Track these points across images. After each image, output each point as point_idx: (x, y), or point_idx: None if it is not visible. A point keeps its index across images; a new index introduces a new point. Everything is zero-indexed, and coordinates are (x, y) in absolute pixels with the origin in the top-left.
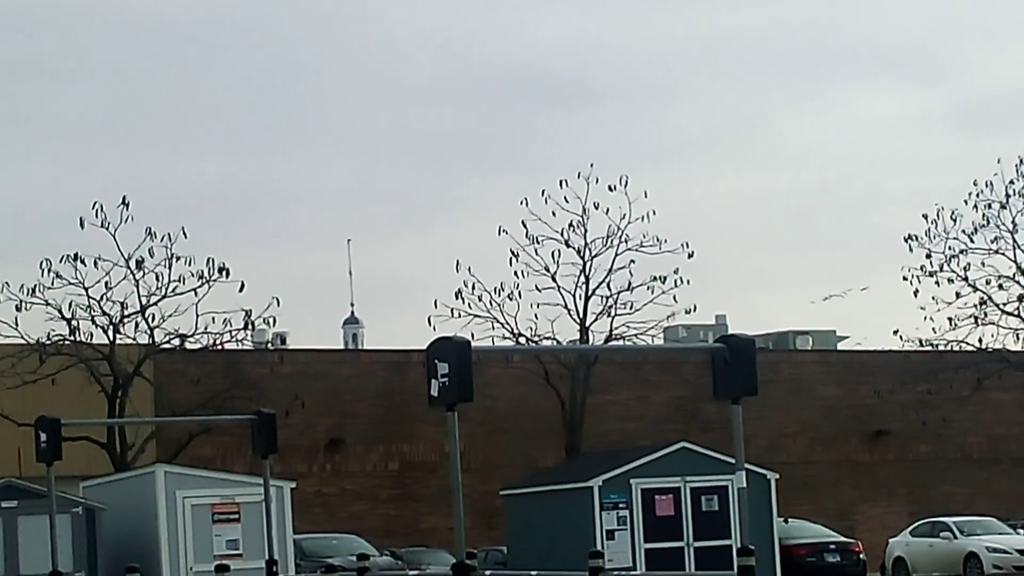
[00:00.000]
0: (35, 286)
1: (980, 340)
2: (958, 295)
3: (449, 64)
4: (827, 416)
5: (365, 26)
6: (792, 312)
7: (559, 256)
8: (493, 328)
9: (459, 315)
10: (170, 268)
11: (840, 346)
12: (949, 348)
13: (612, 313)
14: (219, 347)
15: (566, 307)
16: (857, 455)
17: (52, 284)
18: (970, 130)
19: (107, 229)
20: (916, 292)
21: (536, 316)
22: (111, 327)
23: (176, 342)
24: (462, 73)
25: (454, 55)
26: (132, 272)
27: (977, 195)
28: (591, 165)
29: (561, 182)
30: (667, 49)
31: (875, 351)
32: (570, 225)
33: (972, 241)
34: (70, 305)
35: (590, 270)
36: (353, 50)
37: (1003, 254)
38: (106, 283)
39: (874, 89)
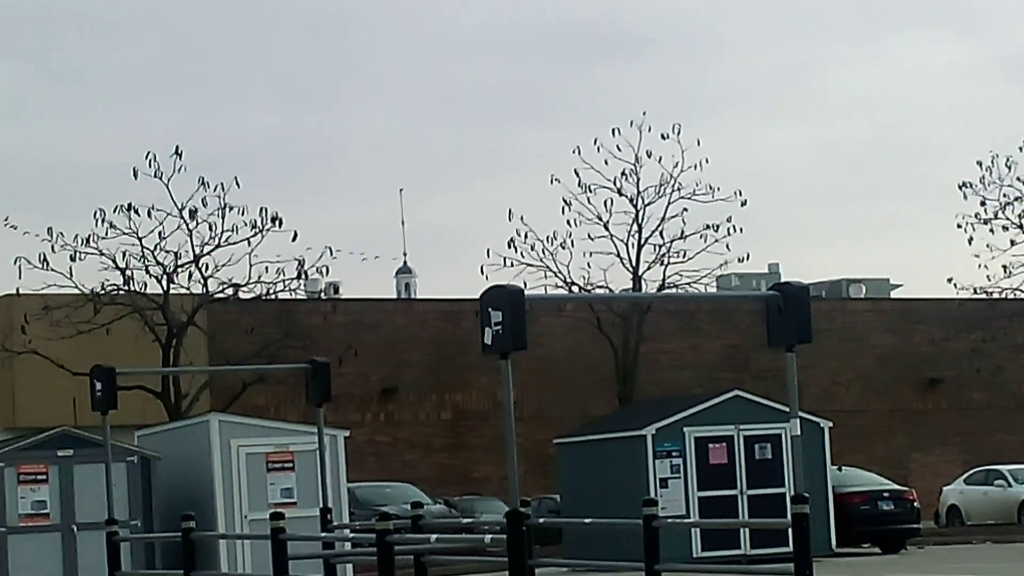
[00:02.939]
0: (89, 236)
1: None
2: (1013, 243)
3: (500, 16)
4: (880, 364)
5: None
6: (845, 260)
7: (612, 205)
8: (546, 277)
9: (512, 264)
10: (223, 218)
11: (893, 294)
12: (1003, 296)
13: (665, 262)
14: (272, 297)
15: (619, 256)
16: (911, 403)
17: (106, 234)
18: (1021, 79)
19: (160, 179)
20: (970, 240)
21: (589, 265)
22: (165, 277)
23: (229, 292)
24: (512, 24)
25: (505, 6)
26: (185, 222)
27: None
28: (643, 113)
29: (613, 131)
30: None
31: (929, 299)
32: (623, 174)
33: None
34: (124, 255)
35: (643, 218)
36: (404, 2)
37: None
38: (160, 233)
39: (923, 40)
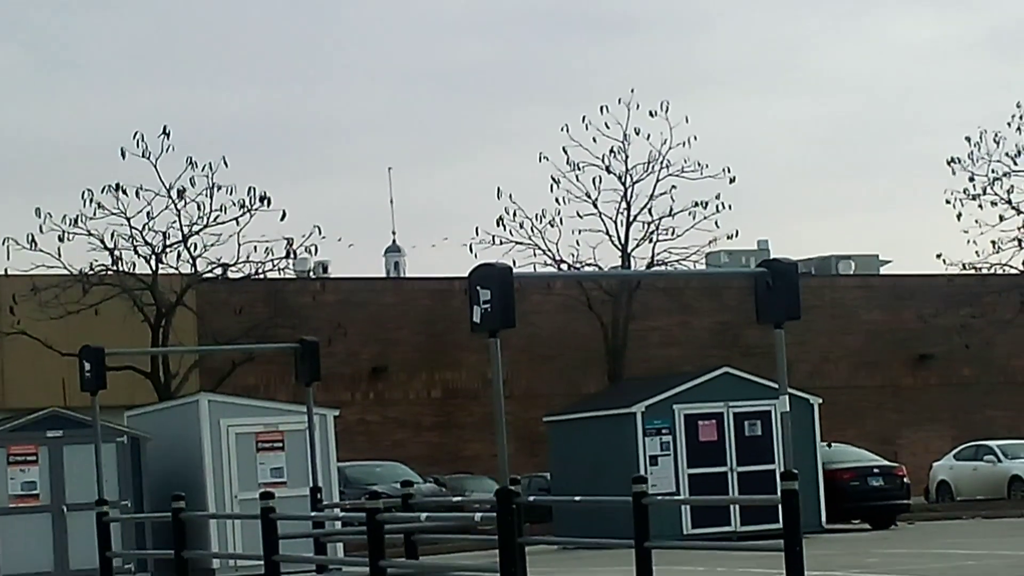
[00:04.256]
0: (77, 216)
1: (1023, 263)
2: (1001, 218)
3: None
4: (870, 341)
5: None
6: (834, 237)
7: (600, 182)
8: (535, 255)
9: (501, 242)
10: (211, 197)
11: (883, 270)
12: (992, 271)
13: (654, 239)
14: (261, 276)
15: (608, 233)
16: (900, 379)
17: (94, 214)
18: (1008, 55)
19: (148, 159)
20: (959, 216)
21: (578, 243)
22: (153, 257)
23: (218, 271)
24: (500, 1)
25: None
26: (174, 202)
27: (1020, 117)
28: (632, 91)
29: (602, 108)
30: None
31: (918, 275)
32: (611, 151)
33: (1015, 164)
34: (112, 235)
35: (632, 196)
36: None
37: None
38: (148, 213)
39: (911, 15)
